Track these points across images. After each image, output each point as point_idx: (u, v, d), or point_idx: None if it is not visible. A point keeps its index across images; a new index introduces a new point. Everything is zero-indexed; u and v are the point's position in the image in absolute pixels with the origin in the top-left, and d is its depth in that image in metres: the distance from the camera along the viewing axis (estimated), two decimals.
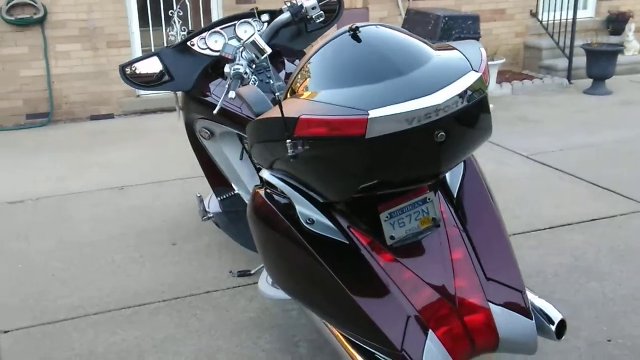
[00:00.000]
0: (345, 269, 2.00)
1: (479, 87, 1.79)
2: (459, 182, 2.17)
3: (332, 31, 2.30)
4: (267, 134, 1.97)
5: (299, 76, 2.07)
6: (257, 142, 2.07)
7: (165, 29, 6.21)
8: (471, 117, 1.81)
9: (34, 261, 3.54)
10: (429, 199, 2.05)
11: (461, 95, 1.75)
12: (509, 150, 5.17)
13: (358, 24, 1.92)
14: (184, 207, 4.17)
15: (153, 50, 5.88)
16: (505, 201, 4.08)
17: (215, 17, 6.68)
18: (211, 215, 3.38)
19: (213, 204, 3.45)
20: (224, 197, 3.38)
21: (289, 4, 3.04)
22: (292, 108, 1.84)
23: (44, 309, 3.05)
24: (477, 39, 5.72)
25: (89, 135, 5.97)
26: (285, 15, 3.04)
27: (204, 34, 3.23)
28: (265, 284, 2.52)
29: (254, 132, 2.08)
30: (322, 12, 3.01)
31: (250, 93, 2.19)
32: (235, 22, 3.28)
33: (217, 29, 3.25)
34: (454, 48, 1.93)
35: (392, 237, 2.02)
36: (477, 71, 1.80)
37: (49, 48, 6.12)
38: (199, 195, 3.42)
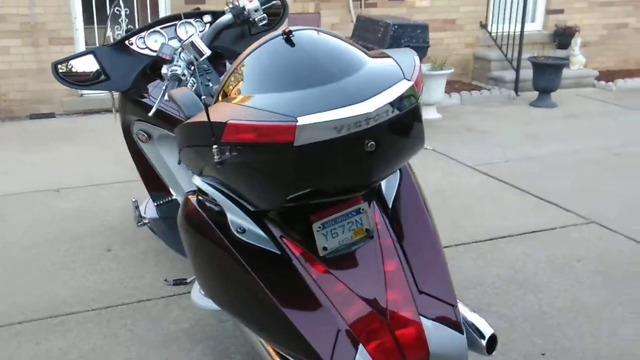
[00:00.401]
0: (276, 280, 1.94)
1: (410, 96, 1.75)
2: (394, 192, 2.13)
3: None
4: (195, 138, 1.90)
5: (232, 79, 2.00)
6: (185, 146, 2.00)
7: (111, 27, 6.07)
8: (402, 126, 1.78)
9: None
10: (362, 209, 2.00)
11: (392, 104, 1.71)
12: (455, 160, 5.19)
13: (292, 28, 1.87)
14: (123, 211, 4.03)
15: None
16: (449, 211, 4.08)
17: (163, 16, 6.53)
18: (147, 221, 3.28)
19: (150, 210, 3.34)
20: (161, 202, 3.28)
21: (231, 6, 2.97)
22: (221, 112, 1.77)
23: None
24: (426, 47, 5.74)
25: (27, 135, 5.76)
26: (227, 17, 2.97)
27: (143, 33, 3.14)
28: (197, 294, 2.43)
29: (182, 136, 2.00)
30: (264, 15, 2.95)
31: (182, 95, 2.11)
32: (177, 22, 3.19)
33: (157, 28, 3.15)
34: (388, 56, 1.89)
35: (324, 248, 1.97)
36: (409, 80, 1.77)
37: None
38: (134, 200, 3.31)
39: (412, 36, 5.59)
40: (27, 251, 3.53)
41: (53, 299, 3.05)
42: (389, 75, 1.78)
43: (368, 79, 1.77)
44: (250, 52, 1.96)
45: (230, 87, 1.98)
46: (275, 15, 3.28)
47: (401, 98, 1.73)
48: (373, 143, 1.69)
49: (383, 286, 1.96)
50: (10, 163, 4.95)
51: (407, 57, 1.88)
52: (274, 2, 3.12)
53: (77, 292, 3.11)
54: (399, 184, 2.14)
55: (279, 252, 1.97)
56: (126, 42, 3.12)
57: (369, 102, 1.69)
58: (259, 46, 1.94)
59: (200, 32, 3.17)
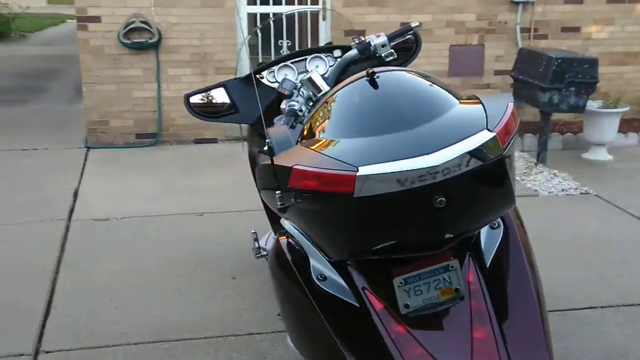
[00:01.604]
0: (351, 334, 1.81)
1: (491, 149, 1.54)
2: (495, 249, 1.90)
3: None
4: (267, 181, 1.83)
5: (320, 114, 1.91)
6: (262, 188, 1.93)
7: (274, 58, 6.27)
8: (480, 182, 1.56)
9: (98, 281, 3.58)
10: (452, 266, 1.81)
11: (469, 155, 1.51)
12: (620, 208, 4.66)
13: (376, 69, 1.74)
14: None
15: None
16: (600, 266, 3.66)
17: None
18: (265, 253, 3.26)
19: (270, 242, 3.33)
20: None
21: (357, 41, 2.89)
22: (291, 156, 1.69)
23: (91, 333, 3.05)
24: (594, 84, 5.26)
25: (189, 159, 6.08)
26: (353, 52, 2.89)
27: (274, 67, 3.16)
28: None
29: (259, 177, 1.95)
30: (392, 50, 2.83)
31: (275, 133, 2.06)
32: (307, 56, 3.18)
33: (288, 62, 3.16)
34: (478, 101, 1.69)
35: (406, 306, 1.80)
36: (490, 130, 1.55)
37: (162, 71, 6.34)
38: (253, 232, 3.32)
39: (577, 71, 5.14)
40: (160, 272, 3.67)
41: (171, 322, 3.13)
42: (469, 124, 1.58)
43: (445, 127, 1.59)
44: (336, 91, 1.86)
45: (317, 124, 1.90)
46: (408, 50, 3.16)
47: (479, 150, 1.52)
48: (443, 199, 1.51)
49: (469, 355, 1.75)
50: (168, 184, 5.24)
51: (499, 103, 1.66)
52: (406, 36, 3.00)
53: (193, 318, 3.17)
54: (501, 240, 1.91)
55: (357, 305, 1.83)
56: (257, 75, 3.16)
57: (438, 154, 1.51)
58: (344, 86, 1.83)
59: (330, 66, 3.13)
